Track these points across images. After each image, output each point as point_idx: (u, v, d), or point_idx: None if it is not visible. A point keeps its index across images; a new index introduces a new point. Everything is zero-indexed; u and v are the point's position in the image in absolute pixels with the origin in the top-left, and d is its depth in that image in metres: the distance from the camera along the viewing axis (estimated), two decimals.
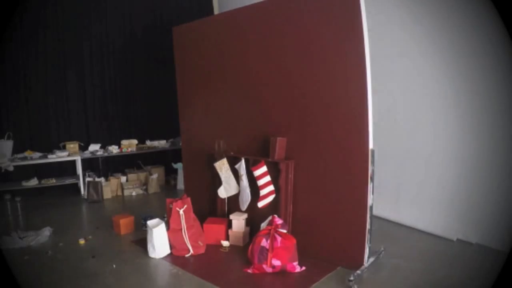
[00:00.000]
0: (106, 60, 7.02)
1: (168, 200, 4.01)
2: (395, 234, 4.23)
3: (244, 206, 4.07)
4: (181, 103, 5.13)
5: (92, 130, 6.96)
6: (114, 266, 3.63)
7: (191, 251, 3.83)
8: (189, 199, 3.97)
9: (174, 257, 3.80)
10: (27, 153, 6.11)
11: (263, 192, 3.82)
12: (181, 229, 3.83)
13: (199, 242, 3.89)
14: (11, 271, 2.85)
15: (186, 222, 3.85)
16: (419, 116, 4.35)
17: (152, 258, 3.79)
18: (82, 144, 6.68)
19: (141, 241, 4.09)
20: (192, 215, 3.95)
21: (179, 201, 3.89)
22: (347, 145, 3.39)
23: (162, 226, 3.86)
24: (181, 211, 3.84)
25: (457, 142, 4.00)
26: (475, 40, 3.72)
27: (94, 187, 5.97)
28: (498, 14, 3.06)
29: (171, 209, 3.88)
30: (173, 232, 3.84)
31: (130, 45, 7.20)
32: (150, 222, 3.94)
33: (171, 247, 3.89)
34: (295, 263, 3.39)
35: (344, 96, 3.38)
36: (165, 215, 3.90)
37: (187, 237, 3.83)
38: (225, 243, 4.00)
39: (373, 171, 3.28)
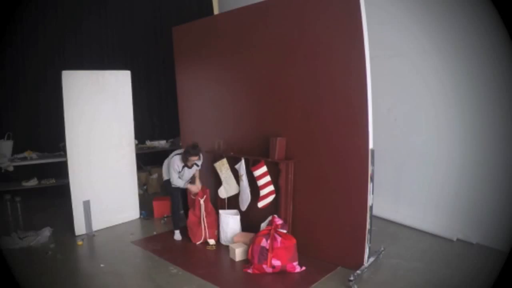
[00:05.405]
0: (106, 60, 7.01)
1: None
2: (395, 234, 4.22)
3: (244, 206, 4.07)
4: (181, 103, 5.13)
5: None
6: (114, 266, 3.63)
7: (202, 239, 4.07)
8: (208, 190, 4.22)
9: (174, 257, 3.79)
10: (27, 153, 6.09)
11: (263, 192, 3.82)
12: (200, 217, 4.06)
13: (216, 232, 4.15)
14: (11, 271, 2.85)
15: (205, 210, 4.10)
16: (419, 116, 4.34)
17: (157, 258, 3.79)
18: None
19: (141, 241, 4.09)
20: (210, 204, 4.19)
21: (200, 192, 4.12)
22: (347, 145, 3.38)
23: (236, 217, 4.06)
24: (202, 201, 4.07)
25: (457, 142, 4.00)
26: (476, 40, 3.72)
27: None
28: (498, 14, 3.06)
29: (193, 199, 4.12)
30: (192, 220, 4.08)
31: (130, 45, 7.20)
32: (224, 211, 4.13)
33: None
34: (295, 263, 3.38)
35: (344, 96, 3.38)
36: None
37: (205, 224, 4.06)
38: (211, 241, 4.06)
39: (373, 171, 3.28)
